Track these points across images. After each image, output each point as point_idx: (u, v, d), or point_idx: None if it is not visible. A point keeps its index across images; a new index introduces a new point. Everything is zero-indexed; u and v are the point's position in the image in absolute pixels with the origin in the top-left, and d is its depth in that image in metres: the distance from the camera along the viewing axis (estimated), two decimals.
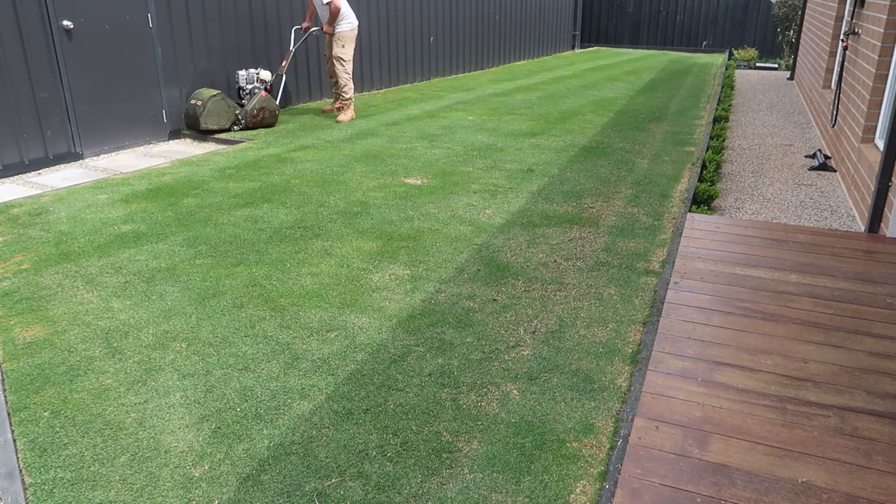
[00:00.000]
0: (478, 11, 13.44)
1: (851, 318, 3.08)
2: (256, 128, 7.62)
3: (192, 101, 7.28)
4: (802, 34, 11.79)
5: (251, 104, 7.56)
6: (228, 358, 3.01)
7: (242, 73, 7.82)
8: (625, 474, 2.10)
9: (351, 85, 8.30)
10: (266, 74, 7.84)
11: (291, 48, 8.25)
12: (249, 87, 7.74)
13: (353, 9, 10.60)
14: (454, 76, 12.96)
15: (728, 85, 11.18)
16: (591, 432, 2.52)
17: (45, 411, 2.64)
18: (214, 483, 2.26)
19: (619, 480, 2.08)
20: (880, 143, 4.92)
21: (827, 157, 6.39)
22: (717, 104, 9.37)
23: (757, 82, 12.48)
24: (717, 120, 8.24)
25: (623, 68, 14.37)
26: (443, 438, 2.48)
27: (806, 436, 2.27)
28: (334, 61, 8.15)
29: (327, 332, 3.24)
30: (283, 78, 8.31)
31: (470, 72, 13.61)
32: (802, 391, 2.52)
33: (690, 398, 2.48)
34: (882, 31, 4.88)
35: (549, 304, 3.53)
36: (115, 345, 3.11)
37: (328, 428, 2.54)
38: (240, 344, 3.13)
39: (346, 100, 8.34)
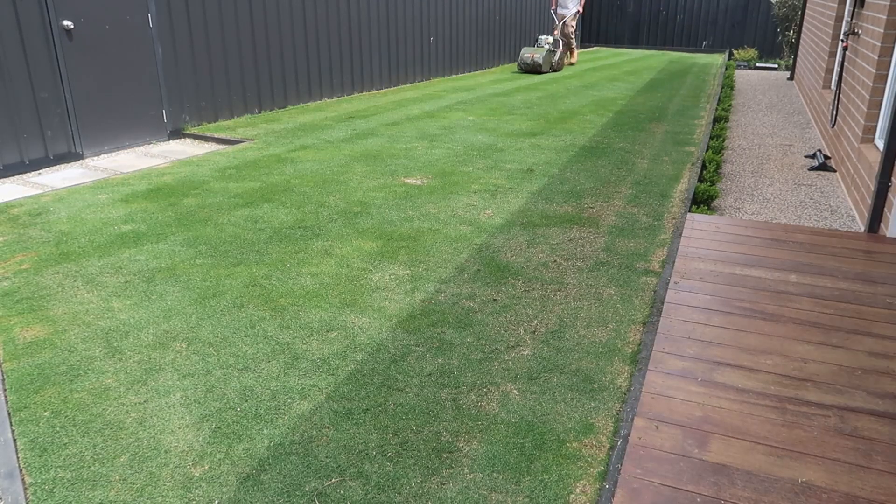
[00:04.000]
0: (478, 11, 13.44)
1: (851, 318, 3.08)
2: (556, 71, 13.45)
3: (529, 55, 12.94)
4: (802, 34, 11.79)
5: (556, 55, 13.40)
6: (228, 358, 3.01)
7: (541, 37, 13.38)
8: (625, 474, 2.10)
9: (574, 43, 14.48)
10: (550, 39, 13.39)
11: (557, 24, 14.03)
12: (546, 47, 13.11)
13: (352, 8, 10.67)
14: (454, 76, 12.96)
15: (728, 85, 11.18)
16: (591, 432, 2.52)
17: (45, 411, 2.64)
18: (214, 483, 2.26)
19: (619, 480, 2.09)
20: (880, 143, 4.93)
21: (827, 158, 6.39)
22: (717, 104, 9.37)
23: (757, 82, 12.48)
24: (716, 120, 8.24)
25: (623, 68, 14.37)
26: (443, 438, 2.48)
27: (806, 436, 2.27)
28: (570, 30, 14.05)
29: (327, 332, 3.24)
30: (561, 42, 13.63)
31: (470, 72, 13.62)
32: (802, 391, 2.52)
33: (690, 398, 2.48)
34: (882, 31, 4.88)
35: (549, 304, 3.53)
36: (115, 345, 3.11)
37: (328, 428, 2.54)
38: (240, 344, 3.13)
39: (572, 49, 14.50)
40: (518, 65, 12.77)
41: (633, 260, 4.11)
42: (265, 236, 4.45)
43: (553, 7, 13.91)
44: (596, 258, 4.14)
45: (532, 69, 12.67)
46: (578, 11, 13.79)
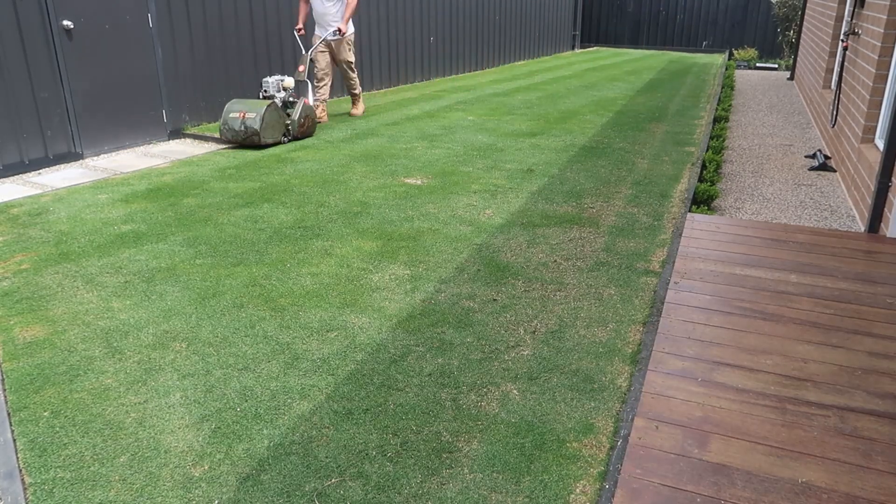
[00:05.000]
0: (478, 11, 13.44)
1: (851, 318, 3.08)
2: (302, 138, 7.16)
3: (239, 115, 6.64)
4: (802, 34, 11.79)
5: (297, 113, 7.04)
6: (228, 358, 3.01)
7: (270, 80, 7.04)
8: (625, 474, 2.10)
9: (358, 80, 8.49)
10: (290, 81, 7.12)
11: (306, 53, 7.68)
12: (281, 95, 7.02)
13: None
14: (454, 76, 12.96)
15: (728, 85, 11.18)
16: (591, 432, 2.52)
17: (45, 411, 2.64)
18: (214, 483, 2.26)
19: (619, 480, 2.08)
20: (880, 143, 4.92)
21: (827, 158, 6.39)
22: (717, 104, 9.37)
23: (757, 82, 12.48)
24: (717, 120, 8.24)
25: (623, 68, 14.37)
26: (443, 438, 2.48)
27: (806, 436, 2.27)
28: (343, 66, 8.12)
29: (327, 332, 3.24)
30: (309, 83, 7.76)
31: (470, 72, 13.62)
32: (802, 391, 2.52)
33: (690, 398, 2.48)
34: (882, 31, 4.88)
35: (549, 304, 3.53)
36: (115, 345, 3.11)
37: (328, 428, 2.54)
38: (240, 344, 3.13)
39: (357, 94, 8.59)
40: (220, 130, 6.78)
41: (633, 260, 4.11)
42: (265, 236, 4.45)
43: (298, 28, 7.85)
44: (596, 258, 4.13)
45: (243, 140, 6.68)
46: (339, 32, 7.68)
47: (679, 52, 18.60)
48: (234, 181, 5.70)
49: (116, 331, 3.24)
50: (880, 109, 5.00)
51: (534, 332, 3.25)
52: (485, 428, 2.54)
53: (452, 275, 3.88)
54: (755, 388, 2.54)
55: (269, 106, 6.67)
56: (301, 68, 7.54)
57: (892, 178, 4.17)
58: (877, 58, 4.91)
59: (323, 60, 7.92)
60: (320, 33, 7.86)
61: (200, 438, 2.48)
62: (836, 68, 6.89)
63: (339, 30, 7.66)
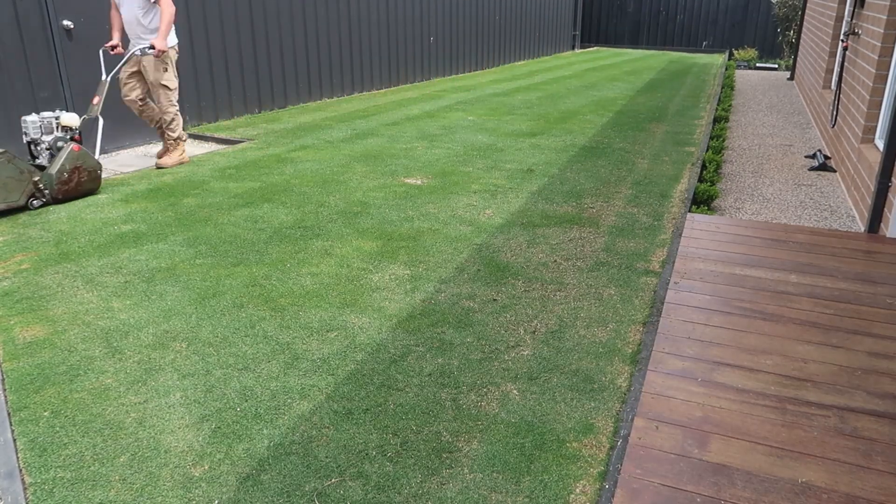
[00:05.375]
0: (478, 11, 13.44)
1: (851, 319, 3.08)
2: (69, 199, 5.12)
3: None
4: (802, 34, 11.79)
5: (56, 165, 4.98)
6: (228, 358, 3.01)
7: (32, 118, 5.11)
8: (625, 474, 2.10)
9: (179, 119, 6.10)
10: (71, 118, 5.22)
11: (104, 77, 5.57)
12: (48, 139, 5.14)
13: (352, 8, 10.43)
14: (454, 76, 12.96)
15: (728, 85, 11.18)
16: (591, 432, 2.52)
17: (45, 411, 2.64)
18: (214, 483, 2.26)
19: (619, 480, 2.08)
20: (880, 144, 4.92)
21: (827, 158, 6.39)
22: (717, 104, 9.37)
23: (757, 82, 12.48)
24: (717, 120, 8.24)
25: (623, 68, 14.37)
26: (443, 438, 2.48)
27: (806, 436, 2.27)
28: (158, 91, 5.88)
29: (327, 332, 3.24)
30: (101, 121, 5.64)
31: (470, 72, 13.62)
32: (802, 391, 2.52)
33: (690, 398, 2.48)
34: (882, 31, 4.88)
35: (549, 304, 3.53)
36: (115, 345, 3.11)
37: (328, 428, 2.54)
38: (240, 344, 3.13)
39: (175, 139, 6.14)
40: None
41: (633, 260, 4.11)
42: (265, 236, 4.45)
43: (111, 45, 5.82)
44: (596, 258, 4.13)
45: None
46: (153, 49, 5.67)
47: (679, 52, 18.60)
48: (234, 181, 5.70)
49: (116, 331, 3.24)
50: (880, 109, 5.00)
51: (534, 332, 3.25)
52: (485, 428, 2.54)
53: (452, 275, 3.88)
54: (755, 388, 2.54)
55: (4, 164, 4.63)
56: (96, 100, 5.51)
57: (892, 179, 4.17)
58: (877, 58, 4.91)
59: (138, 89, 5.89)
60: (136, 50, 5.78)
61: (200, 438, 2.48)
62: (836, 68, 6.89)
63: (152, 45, 5.65)
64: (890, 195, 4.20)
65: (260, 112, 8.62)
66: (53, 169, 4.98)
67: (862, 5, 5.93)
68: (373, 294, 3.63)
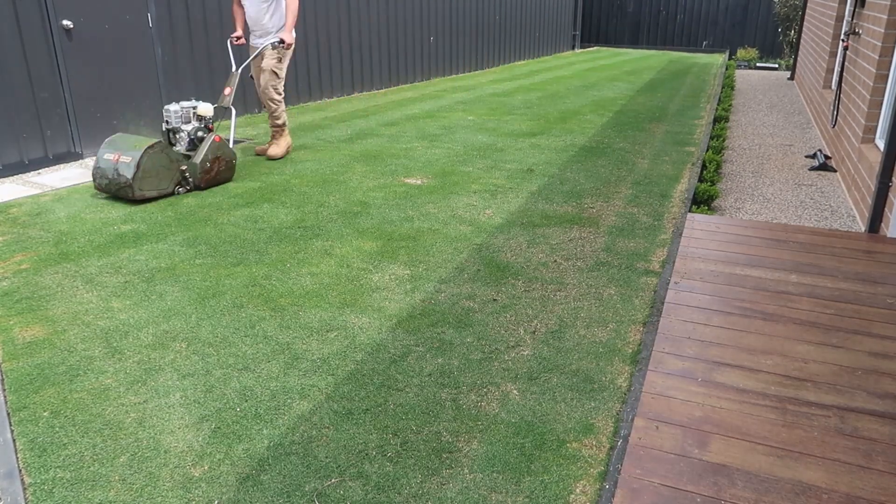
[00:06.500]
0: (478, 11, 13.44)
1: (851, 319, 3.08)
2: (209, 187, 5.42)
3: (113, 156, 4.95)
4: (803, 34, 11.79)
5: (200, 155, 5.27)
6: (228, 358, 3.01)
7: (174, 107, 5.31)
8: (625, 474, 2.10)
9: (283, 106, 6.33)
10: (206, 108, 5.38)
11: (235, 70, 5.87)
12: (187, 128, 5.35)
13: (352, 8, 10.43)
14: (454, 76, 12.96)
15: (728, 85, 11.18)
16: (591, 432, 2.52)
17: (44, 411, 2.64)
18: (214, 483, 2.26)
19: (619, 480, 2.08)
20: (880, 143, 4.92)
21: (827, 157, 6.38)
22: (718, 104, 9.37)
23: (757, 82, 12.47)
24: (717, 120, 8.23)
25: (623, 68, 14.37)
26: (443, 438, 2.48)
27: (806, 436, 2.27)
28: (267, 75, 6.10)
29: (327, 332, 3.24)
30: (234, 111, 5.89)
31: (470, 72, 13.61)
32: (802, 391, 2.52)
33: (690, 398, 2.47)
34: (882, 31, 4.88)
35: (549, 304, 3.53)
36: (114, 345, 3.11)
37: (328, 428, 2.54)
38: (240, 344, 3.13)
39: (280, 125, 6.34)
40: (93, 174, 5.12)
41: (633, 260, 4.11)
42: (265, 236, 4.45)
43: (235, 35, 6.17)
44: (596, 258, 4.13)
45: (115, 191, 5.05)
46: (283, 43, 6.01)
47: (679, 52, 18.60)
48: (233, 181, 5.70)
49: (116, 331, 3.24)
50: (881, 109, 5.00)
51: (534, 332, 3.24)
52: (485, 428, 2.54)
53: (452, 275, 3.87)
54: (755, 388, 2.54)
55: (149, 148, 4.91)
56: (227, 91, 5.73)
57: (893, 178, 4.17)
58: (877, 58, 4.91)
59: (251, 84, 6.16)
60: (256, 43, 6.17)
61: (200, 438, 2.48)
62: (837, 68, 6.89)
63: (282, 40, 5.98)
64: (890, 195, 4.20)
65: (260, 112, 8.62)
66: (198, 158, 5.26)
67: (862, 5, 5.93)
68: (373, 294, 3.63)
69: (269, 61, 6.09)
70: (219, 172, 5.47)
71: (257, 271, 3.91)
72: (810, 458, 2.16)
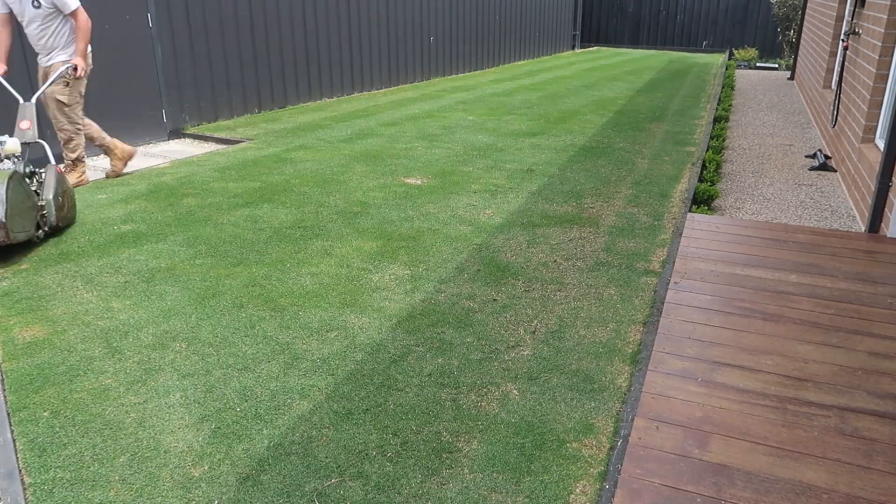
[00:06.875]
0: (478, 11, 13.44)
1: (851, 319, 3.08)
2: (61, 229, 4.49)
3: None
4: (803, 34, 11.79)
5: (51, 189, 4.29)
6: (228, 358, 3.01)
7: None
8: (625, 474, 2.10)
9: (81, 139, 5.39)
10: (12, 144, 4.30)
11: (25, 101, 4.71)
12: (8, 164, 4.28)
13: (352, 8, 10.43)
14: (454, 76, 12.95)
15: (728, 85, 11.18)
16: (591, 432, 2.52)
17: (44, 411, 2.64)
18: (214, 483, 2.26)
19: (619, 480, 2.08)
20: (880, 143, 4.92)
21: (827, 157, 6.38)
22: (718, 104, 9.37)
23: (757, 82, 12.47)
24: (717, 120, 8.23)
25: (623, 68, 14.37)
26: (443, 438, 2.48)
27: (806, 436, 2.27)
28: (54, 107, 5.19)
29: (327, 332, 3.23)
30: (45, 144, 4.72)
31: (470, 72, 13.61)
32: (802, 391, 2.52)
33: (690, 398, 2.47)
34: (882, 31, 4.88)
35: (549, 304, 3.53)
36: (114, 345, 3.11)
37: (328, 428, 2.54)
38: (240, 344, 3.12)
39: (73, 160, 5.43)
40: None
41: (633, 260, 4.11)
42: (265, 236, 4.45)
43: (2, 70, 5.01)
44: (596, 258, 4.13)
45: None
46: (76, 70, 5.09)
47: (679, 51, 18.60)
48: (233, 181, 5.70)
49: (116, 331, 3.24)
50: (881, 109, 5.00)
51: (534, 332, 3.24)
52: (485, 428, 2.54)
53: (452, 275, 3.87)
54: (755, 388, 2.54)
55: (10, 178, 3.90)
56: (26, 124, 4.58)
57: (893, 178, 4.17)
58: (877, 58, 4.90)
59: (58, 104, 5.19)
60: (42, 63, 5.23)
61: (200, 438, 2.48)
62: (837, 68, 6.89)
63: (75, 66, 5.09)
64: (890, 195, 4.20)
65: (259, 112, 8.62)
66: (50, 193, 4.25)
67: (862, 5, 5.93)
68: (373, 294, 3.63)
69: (53, 87, 5.11)
70: (68, 209, 4.49)
71: (257, 271, 3.91)
72: (810, 458, 2.16)
